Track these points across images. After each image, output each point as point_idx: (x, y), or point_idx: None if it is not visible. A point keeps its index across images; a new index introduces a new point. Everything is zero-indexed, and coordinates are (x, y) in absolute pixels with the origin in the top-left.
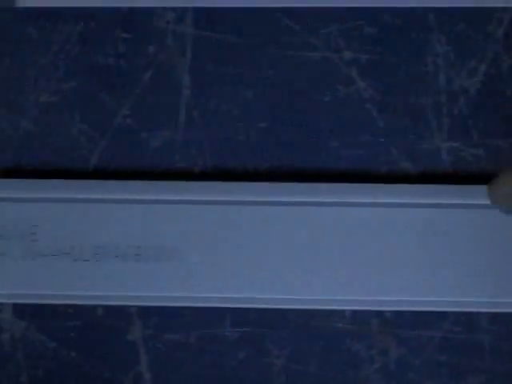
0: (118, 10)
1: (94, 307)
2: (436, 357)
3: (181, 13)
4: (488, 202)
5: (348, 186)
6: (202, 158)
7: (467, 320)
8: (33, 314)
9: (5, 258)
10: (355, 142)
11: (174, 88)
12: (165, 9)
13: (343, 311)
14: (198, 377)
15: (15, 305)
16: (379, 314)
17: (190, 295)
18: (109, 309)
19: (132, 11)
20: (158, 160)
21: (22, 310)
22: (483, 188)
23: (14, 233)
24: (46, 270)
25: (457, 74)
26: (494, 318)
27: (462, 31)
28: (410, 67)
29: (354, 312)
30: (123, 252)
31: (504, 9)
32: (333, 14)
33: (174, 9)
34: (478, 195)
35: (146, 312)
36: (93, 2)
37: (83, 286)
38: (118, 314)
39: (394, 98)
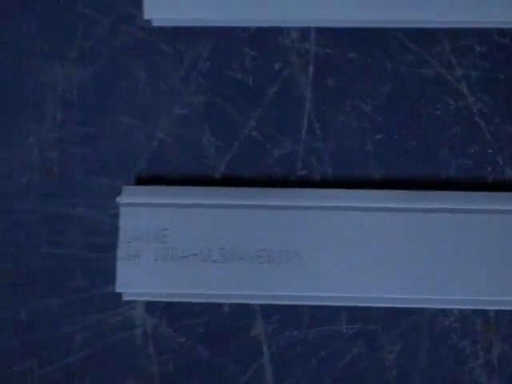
0: (245, 29)
1: (221, 305)
2: None
3: (304, 32)
4: None
5: (457, 193)
6: (322, 167)
7: None
8: (164, 311)
9: (138, 259)
10: (464, 153)
11: (296, 102)
12: (289, 28)
13: (450, 310)
14: (315, 370)
15: (147, 302)
16: (483, 312)
17: (309, 294)
18: (234, 306)
19: (259, 30)
20: (281, 169)
21: (153, 308)
22: None
23: (146, 236)
24: (176, 271)
25: None
26: None
27: None
28: (510, 83)
29: (460, 311)
30: (248, 254)
31: None
32: (445, 34)
33: (298, 28)
34: None
35: (268, 310)
36: (223, 21)
37: (211, 286)
38: (243, 312)
39: (502, 111)
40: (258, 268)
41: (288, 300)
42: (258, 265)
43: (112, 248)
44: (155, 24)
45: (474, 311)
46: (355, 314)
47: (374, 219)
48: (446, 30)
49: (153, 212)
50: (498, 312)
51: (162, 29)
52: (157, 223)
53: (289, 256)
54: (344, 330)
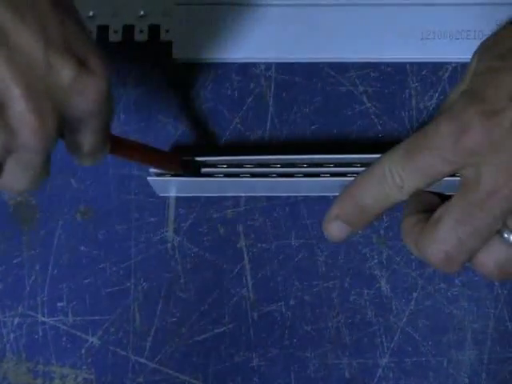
0: (234, 63)
1: (217, 229)
2: None
3: (269, 64)
4: None
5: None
6: (279, 145)
7: None
8: (185, 232)
9: None
10: (364, 137)
11: (264, 106)
12: (259, 63)
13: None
14: (277, 265)
15: (175, 228)
16: (377, 231)
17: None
18: (227, 227)
19: (241, 64)
20: (254, 149)
21: (178, 231)
22: None
23: None
24: None
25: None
26: None
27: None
28: (393, 95)
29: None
30: None
31: None
32: (353, 65)
33: (265, 63)
34: None
35: (247, 230)
36: (220, 59)
37: None
38: (231, 231)
39: (388, 112)
40: None
41: None
42: None
43: (157, 196)
44: (180, 61)
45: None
46: (299, 233)
47: None
48: (353, 63)
49: None
50: (386, 229)
51: (184, 63)
52: None
53: None
54: (293, 244)
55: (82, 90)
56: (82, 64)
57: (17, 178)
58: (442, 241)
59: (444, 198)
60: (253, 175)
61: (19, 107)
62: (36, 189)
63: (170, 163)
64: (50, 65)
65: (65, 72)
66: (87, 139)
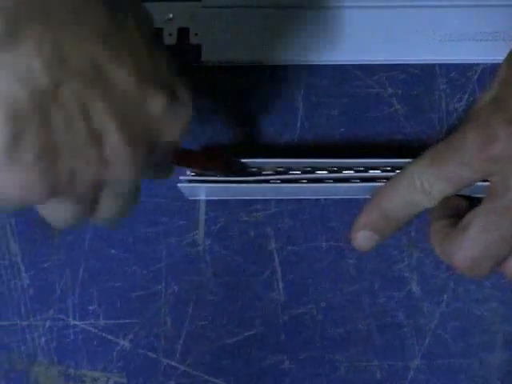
0: (263, 65)
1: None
2: None
3: (297, 67)
4: None
5: None
6: (306, 146)
7: None
8: (215, 235)
9: None
10: (392, 139)
11: (294, 110)
12: (288, 65)
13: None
14: (306, 268)
15: (206, 231)
16: (408, 233)
17: None
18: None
19: (271, 65)
20: (284, 153)
21: (209, 233)
22: None
23: None
24: None
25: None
26: None
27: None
28: (422, 97)
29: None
30: None
31: None
32: (381, 67)
33: (293, 65)
34: None
35: (278, 232)
36: (250, 61)
37: None
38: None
39: (416, 114)
40: None
41: None
42: None
43: (186, 199)
44: (209, 64)
45: (402, 233)
46: (328, 235)
47: None
48: (381, 65)
49: None
50: (416, 231)
51: (213, 66)
52: None
53: None
54: (323, 246)
55: (173, 118)
56: (171, 94)
57: (109, 210)
58: (468, 248)
59: (472, 202)
60: (282, 181)
61: (115, 140)
62: (126, 216)
63: (221, 165)
64: (143, 98)
65: (157, 103)
66: (160, 159)
